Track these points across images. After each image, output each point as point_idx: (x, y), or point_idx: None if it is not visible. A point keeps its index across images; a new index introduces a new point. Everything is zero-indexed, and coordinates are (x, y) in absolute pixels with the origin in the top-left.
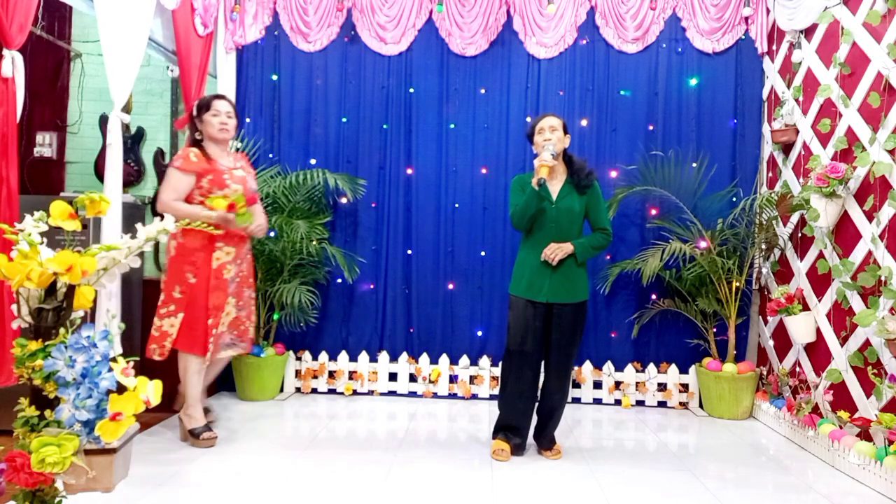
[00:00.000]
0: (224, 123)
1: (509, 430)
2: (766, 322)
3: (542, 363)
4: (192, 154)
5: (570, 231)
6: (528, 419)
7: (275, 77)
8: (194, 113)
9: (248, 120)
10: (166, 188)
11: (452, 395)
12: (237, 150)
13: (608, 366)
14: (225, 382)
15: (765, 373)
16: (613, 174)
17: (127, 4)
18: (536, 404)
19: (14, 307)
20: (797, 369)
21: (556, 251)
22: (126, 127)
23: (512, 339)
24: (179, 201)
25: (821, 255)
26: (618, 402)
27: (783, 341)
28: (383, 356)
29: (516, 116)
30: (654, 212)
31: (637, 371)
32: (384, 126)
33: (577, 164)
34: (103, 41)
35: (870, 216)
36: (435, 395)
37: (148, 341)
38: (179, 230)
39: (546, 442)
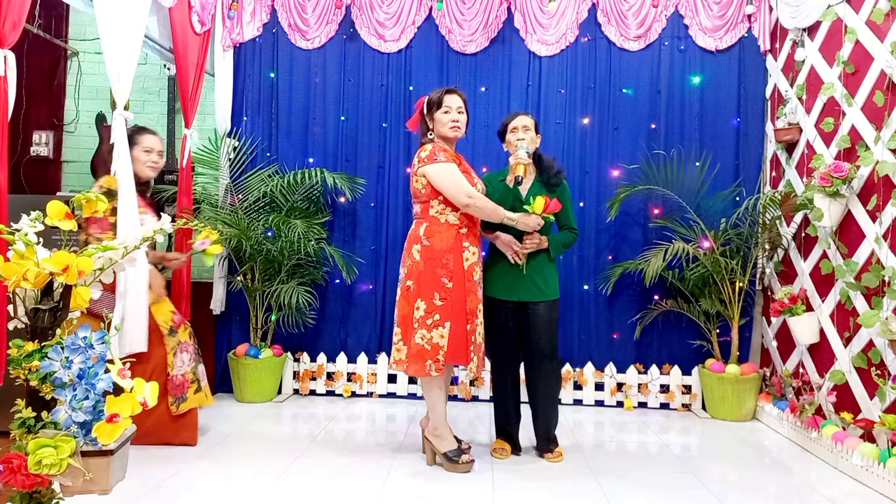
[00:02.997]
0: (455, 120)
1: (505, 431)
2: (769, 323)
3: (522, 364)
4: (442, 145)
5: (540, 229)
6: (516, 418)
7: (272, 75)
8: (424, 110)
9: (245, 118)
10: (458, 183)
11: (453, 398)
12: (234, 148)
13: (610, 367)
14: (222, 384)
15: (768, 374)
16: (615, 173)
17: (125, 2)
18: (526, 405)
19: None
20: (800, 370)
21: (533, 241)
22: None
23: (490, 341)
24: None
25: (824, 256)
26: (620, 404)
27: (786, 342)
28: (382, 358)
29: None
30: (656, 211)
31: (639, 372)
32: (383, 125)
33: (547, 163)
34: (103, 40)
35: (873, 216)
36: None
37: (410, 359)
38: (425, 233)
39: (546, 444)
